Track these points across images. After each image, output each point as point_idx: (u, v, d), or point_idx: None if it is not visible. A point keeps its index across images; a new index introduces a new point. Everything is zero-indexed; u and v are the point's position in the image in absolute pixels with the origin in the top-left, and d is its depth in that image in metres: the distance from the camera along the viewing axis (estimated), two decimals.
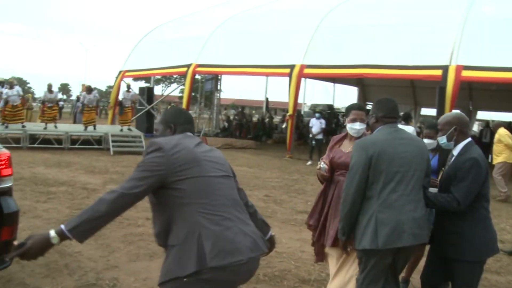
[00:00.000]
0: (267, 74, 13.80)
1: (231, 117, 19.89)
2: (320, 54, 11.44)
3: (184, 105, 13.42)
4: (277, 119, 22.23)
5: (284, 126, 13.50)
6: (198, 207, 1.80)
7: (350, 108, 3.13)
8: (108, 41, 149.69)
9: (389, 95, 3.33)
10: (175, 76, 31.12)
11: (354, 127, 2.98)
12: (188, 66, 13.28)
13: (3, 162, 2.74)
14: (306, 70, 11.39)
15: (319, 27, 12.03)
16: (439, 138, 2.95)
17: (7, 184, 2.73)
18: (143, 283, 3.34)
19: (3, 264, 2.60)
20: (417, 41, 10.50)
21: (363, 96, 20.53)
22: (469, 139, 2.86)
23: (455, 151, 2.85)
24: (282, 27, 12.94)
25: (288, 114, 11.44)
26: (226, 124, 18.36)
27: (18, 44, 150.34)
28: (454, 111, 2.70)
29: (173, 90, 28.25)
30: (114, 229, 4.44)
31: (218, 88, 17.08)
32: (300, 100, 12.23)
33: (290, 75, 11.38)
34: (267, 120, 19.07)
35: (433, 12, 10.90)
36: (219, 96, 17.51)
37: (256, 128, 17.93)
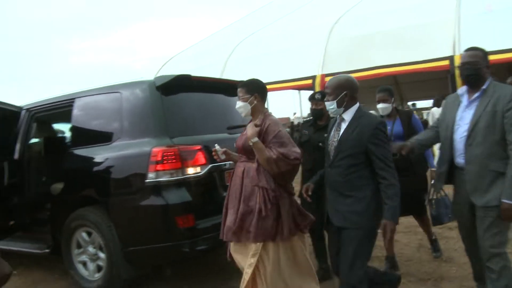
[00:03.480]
0: (291, 88, 15.29)
1: None
2: (335, 63, 13.02)
3: None
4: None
5: None
6: None
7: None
8: None
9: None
10: None
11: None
12: None
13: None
14: (327, 79, 12.89)
15: (328, 39, 13.66)
16: (327, 103, 3.03)
17: None
18: None
19: None
20: (420, 39, 12.09)
21: None
22: (358, 104, 3.01)
23: (347, 116, 3.00)
24: (293, 44, 14.51)
25: None
26: None
27: None
28: (344, 74, 3.23)
29: None
30: None
31: None
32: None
33: (313, 85, 12.94)
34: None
35: (427, 14, 12.68)
36: None
37: None
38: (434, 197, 4.07)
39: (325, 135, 3.49)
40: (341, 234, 2.94)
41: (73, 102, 4.68)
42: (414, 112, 16.05)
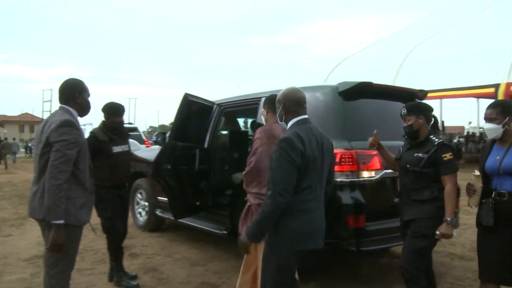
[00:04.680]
0: (469, 96, 14.49)
1: None
2: None
3: None
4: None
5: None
6: None
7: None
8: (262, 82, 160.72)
9: None
10: None
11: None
12: None
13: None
14: None
15: None
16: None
17: None
18: None
19: None
20: None
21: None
22: (299, 117, 2.89)
23: None
24: (474, 49, 13.66)
25: None
26: None
27: (168, 94, 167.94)
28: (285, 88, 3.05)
29: None
30: None
31: None
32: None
33: (495, 94, 12.06)
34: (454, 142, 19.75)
35: None
36: None
37: None
38: None
39: (416, 154, 3.46)
40: None
41: (259, 100, 5.18)
42: None
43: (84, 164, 3.17)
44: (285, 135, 2.79)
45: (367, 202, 4.11)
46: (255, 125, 5.57)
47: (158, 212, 6.78)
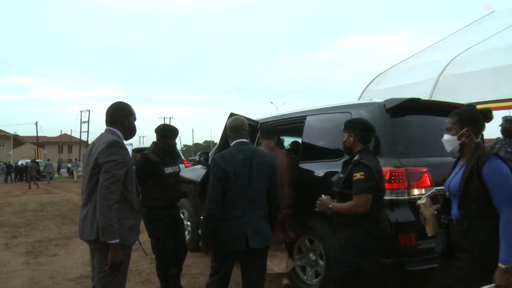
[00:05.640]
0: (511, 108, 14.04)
1: None
2: None
3: None
4: None
5: None
6: None
7: None
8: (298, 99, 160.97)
9: None
10: None
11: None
12: None
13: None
14: None
15: None
16: None
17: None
18: None
19: None
20: None
21: None
22: (236, 141, 3.61)
23: None
24: None
25: None
26: None
27: (202, 113, 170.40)
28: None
29: None
30: None
31: None
32: None
33: None
34: None
35: None
36: None
37: None
38: None
39: (339, 175, 3.59)
40: None
41: (304, 118, 5.17)
42: None
43: (131, 185, 3.21)
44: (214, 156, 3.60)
45: (419, 220, 4.01)
46: (295, 144, 5.55)
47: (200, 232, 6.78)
